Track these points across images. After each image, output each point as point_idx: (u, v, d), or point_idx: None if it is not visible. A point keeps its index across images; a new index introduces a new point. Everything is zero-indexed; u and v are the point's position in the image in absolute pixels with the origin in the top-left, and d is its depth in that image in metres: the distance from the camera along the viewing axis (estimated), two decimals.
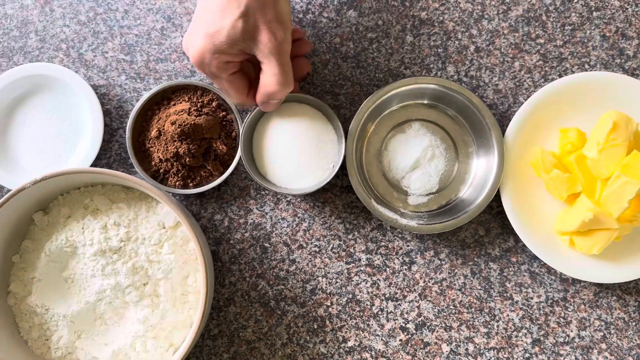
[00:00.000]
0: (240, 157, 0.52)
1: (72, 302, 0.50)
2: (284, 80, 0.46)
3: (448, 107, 0.55)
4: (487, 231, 0.56)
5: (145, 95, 0.53)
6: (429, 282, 0.55)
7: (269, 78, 0.46)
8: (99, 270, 0.49)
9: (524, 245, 0.56)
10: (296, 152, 0.51)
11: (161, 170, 0.53)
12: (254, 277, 0.55)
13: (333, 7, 0.57)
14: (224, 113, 0.54)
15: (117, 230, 0.49)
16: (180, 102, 0.54)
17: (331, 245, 0.55)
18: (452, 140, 0.56)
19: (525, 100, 0.56)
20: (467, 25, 0.57)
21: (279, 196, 0.56)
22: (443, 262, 0.55)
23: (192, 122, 0.51)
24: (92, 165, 0.54)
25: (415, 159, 0.54)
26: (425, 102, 0.56)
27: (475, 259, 0.55)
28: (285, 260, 0.55)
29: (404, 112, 0.56)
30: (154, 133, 0.52)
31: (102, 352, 0.50)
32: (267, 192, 0.56)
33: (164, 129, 0.52)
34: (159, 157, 0.53)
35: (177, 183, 0.53)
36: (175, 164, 0.52)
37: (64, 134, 0.55)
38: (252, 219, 0.56)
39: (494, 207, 0.56)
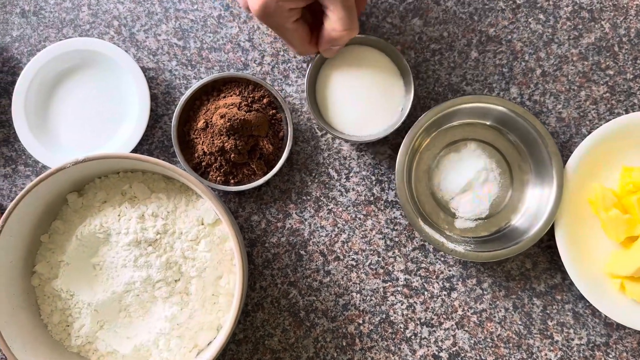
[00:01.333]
0: (285, 159, 0.52)
1: (98, 290, 0.49)
2: (350, 24, 0.45)
3: (510, 132, 0.53)
4: (534, 265, 0.54)
5: (196, 84, 0.52)
6: (468, 311, 0.53)
7: (334, 23, 0.45)
8: (131, 261, 0.47)
9: (570, 283, 0.54)
10: (362, 96, 0.51)
11: (203, 164, 0.52)
12: (286, 285, 0.54)
13: (398, 14, 0.55)
14: (273, 111, 0.53)
15: (155, 221, 0.48)
16: (231, 96, 0.53)
17: (369, 261, 0.54)
18: (508, 165, 0.54)
19: (589, 132, 0.55)
20: (536, 48, 0.55)
21: (320, 203, 0.54)
22: (485, 292, 0.53)
23: (242, 117, 0.50)
24: (133, 151, 0.53)
25: (468, 181, 0.53)
26: (488, 123, 0.54)
27: (519, 293, 0.53)
28: (320, 271, 0.54)
29: (461, 130, 0.54)
30: (200, 124, 0.51)
31: (123, 345, 0.49)
32: (308, 197, 0.54)
33: (211, 121, 0.51)
34: (202, 149, 0.52)
35: (218, 178, 0.52)
36: (219, 158, 0.51)
37: (106, 114, 0.54)
38: (290, 224, 0.54)
39: (544, 241, 0.54)
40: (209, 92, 0.53)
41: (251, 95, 0.53)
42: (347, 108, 0.52)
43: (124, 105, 0.54)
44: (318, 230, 0.54)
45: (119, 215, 0.48)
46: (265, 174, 0.52)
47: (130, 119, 0.53)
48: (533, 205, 0.53)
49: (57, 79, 0.54)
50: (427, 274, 0.54)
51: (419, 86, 0.55)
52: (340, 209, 0.54)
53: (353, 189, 0.54)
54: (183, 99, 0.52)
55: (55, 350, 0.49)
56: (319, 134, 0.55)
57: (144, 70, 0.54)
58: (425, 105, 0.55)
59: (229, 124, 0.50)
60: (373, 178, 0.55)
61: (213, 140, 0.51)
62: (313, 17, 0.49)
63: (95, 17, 0.55)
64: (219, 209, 0.46)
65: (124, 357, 0.49)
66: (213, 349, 0.45)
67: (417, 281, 0.53)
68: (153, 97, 0.55)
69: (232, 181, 0.52)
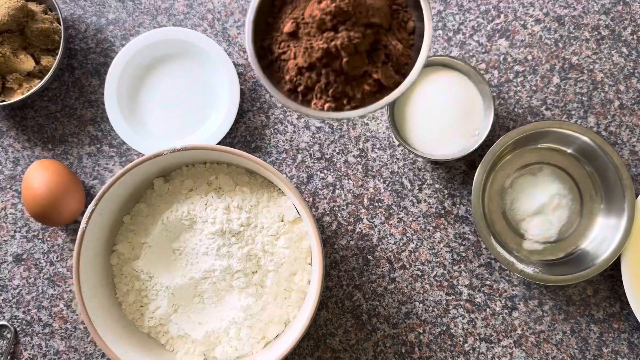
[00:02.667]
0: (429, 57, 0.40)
1: (176, 275, 0.51)
2: None
3: (587, 161, 0.55)
4: (595, 292, 0.56)
5: None
6: (527, 331, 0.55)
7: None
8: (214, 250, 0.50)
9: (629, 313, 0.56)
10: (440, 117, 0.53)
11: (300, 88, 0.37)
12: (351, 287, 0.56)
13: (485, 32, 0.57)
14: None
15: (239, 213, 0.50)
16: None
17: (435, 272, 0.56)
18: (580, 192, 0.56)
19: None
20: (616, 80, 0.57)
21: (391, 211, 0.56)
22: (545, 314, 0.55)
23: (354, 0, 0.35)
24: (218, 143, 0.55)
25: (540, 204, 0.55)
26: (568, 150, 0.56)
27: (578, 318, 0.55)
28: (385, 277, 0.56)
29: (538, 153, 0.56)
30: (288, 27, 0.37)
31: (195, 330, 0.51)
32: (380, 204, 0.56)
33: (303, 18, 0.36)
34: (296, 65, 0.37)
35: (327, 105, 0.37)
36: (324, 71, 0.36)
37: (195, 105, 0.56)
38: (360, 228, 0.56)
39: (607, 269, 0.56)
40: None
41: None
42: (424, 126, 0.54)
43: (213, 97, 0.56)
44: (387, 237, 0.56)
45: (205, 205, 0.51)
46: (397, 83, 0.37)
47: (218, 111, 0.56)
48: (602, 235, 0.55)
49: (149, 65, 0.56)
50: (491, 291, 0.56)
51: (500, 105, 0.57)
52: (411, 218, 0.56)
53: (425, 201, 0.56)
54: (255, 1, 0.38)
55: (126, 328, 0.51)
56: (396, 143, 0.57)
57: (234, 65, 0.56)
58: (504, 125, 0.57)
59: (333, 5, 0.34)
60: (445, 192, 0.57)
61: (311, 43, 0.36)
62: None
63: (190, 9, 0.58)
64: (303, 208, 0.48)
65: (194, 342, 0.51)
66: (286, 345, 0.48)
67: (480, 297, 0.55)
68: (240, 93, 0.57)
69: (347, 106, 0.37)
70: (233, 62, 0.56)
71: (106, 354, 0.48)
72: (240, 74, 0.57)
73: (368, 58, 0.36)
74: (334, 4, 0.34)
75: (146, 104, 0.56)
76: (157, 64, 0.56)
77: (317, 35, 0.35)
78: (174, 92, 0.56)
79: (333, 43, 0.34)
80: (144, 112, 0.56)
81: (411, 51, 0.37)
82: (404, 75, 0.36)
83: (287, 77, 0.37)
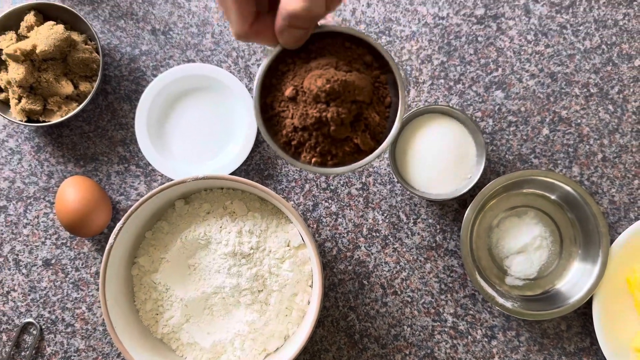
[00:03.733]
0: (398, 132, 0.45)
1: (190, 288, 0.57)
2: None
3: (569, 209, 0.61)
4: (569, 327, 0.62)
5: (280, 47, 0.43)
6: (504, 359, 0.61)
7: None
8: (226, 269, 0.56)
9: (598, 349, 0.62)
10: (436, 160, 0.60)
11: (294, 142, 0.43)
12: (346, 309, 0.62)
13: (483, 84, 0.64)
14: (377, 72, 0.44)
15: (250, 237, 0.57)
16: (324, 56, 0.43)
17: (423, 300, 0.62)
18: (560, 236, 0.62)
19: (636, 218, 0.62)
20: (601, 134, 0.63)
21: (387, 241, 0.63)
22: (521, 345, 0.61)
23: (343, 78, 0.41)
24: (235, 170, 0.61)
25: (523, 244, 0.61)
26: (552, 197, 0.62)
27: (551, 350, 0.61)
28: (378, 301, 0.62)
29: (523, 197, 0.63)
30: (289, 92, 0.42)
31: (204, 339, 0.57)
32: (377, 234, 0.63)
33: (302, 87, 0.42)
34: (292, 124, 0.42)
35: (313, 159, 0.43)
36: (314, 133, 0.43)
37: (216, 134, 0.62)
38: (358, 255, 0.63)
39: (581, 307, 0.62)
40: (296, 54, 0.43)
41: (348, 54, 0.43)
42: (422, 167, 0.60)
43: (233, 128, 0.63)
44: (382, 265, 0.63)
45: (220, 227, 0.57)
46: (373, 149, 0.44)
47: (236, 141, 0.62)
48: (577, 276, 0.61)
49: (177, 96, 0.63)
50: (473, 320, 0.62)
51: (492, 151, 0.63)
52: (405, 249, 0.63)
53: (418, 234, 0.63)
54: (266, 61, 0.42)
55: (143, 333, 0.58)
56: (395, 180, 0.63)
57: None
58: (495, 170, 0.63)
59: (327, 86, 0.40)
60: (438, 227, 0.63)
61: (307, 110, 0.42)
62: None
63: (216, 46, 0.64)
64: (307, 237, 0.54)
65: (202, 350, 0.58)
66: (285, 358, 0.54)
67: (463, 325, 0.62)
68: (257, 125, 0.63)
69: (330, 162, 0.44)
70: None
71: (123, 355, 0.54)
72: None
73: (351, 126, 0.42)
74: (328, 85, 0.40)
75: (172, 131, 0.63)
76: (184, 95, 0.63)
77: (311, 104, 0.41)
78: (198, 121, 0.63)
79: (324, 114, 0.41)
80: (169, 137, 0.63)
81: (386, 122, 0.44)
82: (379, 142, 0.43)
83: (284, 132, 0.43)
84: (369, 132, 0.43)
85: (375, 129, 0.43)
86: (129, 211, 0.54)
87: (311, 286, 0.59)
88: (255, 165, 0.64)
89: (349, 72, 0.41)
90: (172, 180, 0.63)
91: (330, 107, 0.41)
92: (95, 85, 0.60)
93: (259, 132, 0.63)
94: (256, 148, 0.64)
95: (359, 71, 0.42)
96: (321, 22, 0.42)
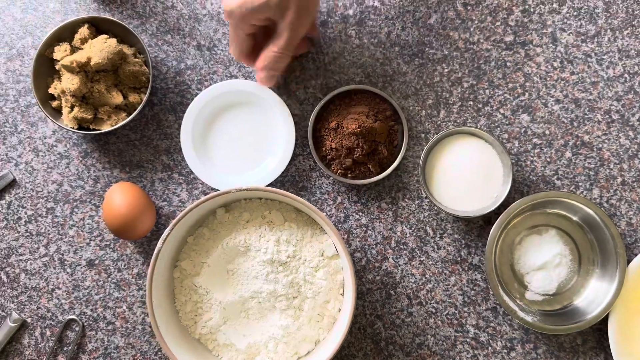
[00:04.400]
0: (398, 165, 0.67)
1: (228, 292, 0.61)
2: (283, 50, 0.59)
3: (589, 229, 0.65)
4: (584, 342, 0.66)
5: (334, 92, 0.66)
6: None
7: (272, 45, 0.59)
8: (263, 275, 0.60)
9: None
10: (466, 178, 0.64)
11: (328, 157, 0.66)
12: (373, 317, 0.66)
13: (510, 107, 0.67)
14: (392, 123, 0.67)
15: (287, 246, 0.60)
16: (360, 105, 0.66)
17: (447, 311, 0.66)
18: (579, 255, 0.66)
19: None
20: (621, 159, 0.67)
21: (414, 254, 0.66)
22: (538, 357, 0.65)
23: (370, 125, 0.63)
24: (274, 180, 0.65)
25: (544, 261, 0.64)
26: (574, 218, 0.65)
27: None
28: (403, 311, 0.66)
29: (546, 217, 0.66)
30: (332, 124, 0.65)
31: (240, 341, 0.61)
32: (405, 247, 0.67)
33: (342, 124, 0.64)
34: (330, 145, 0.65)
35: (339, 171, 0.66)
36: (343, 155, 0.65)
37: (256, 146, 0.67)
38: (385, 266, 0.67)
39: (596, 324, 0.66)
40: (342, 97, 0.67)
41: (377, 107, 0.66)
42: (450, 185, 0.64)
43: (271, 142, 0.67)
44: (408, 277, 0.66)
45: (259, 236, 0.61)
46: (378, 174, 0.66)
47: (275, 154, 0.66)
48: (594, 294, 0.65)
49: (221, 109, 0.67)
50: (494, 332, 0.66)
51: (517, 172, 0.67)
52: (430, 262, 0.66)
53: (444, 248, 0.67)
54: (322, 102, 0.66)
55: (182, 333, 0.61)
56: (424, 195, 0.67)
57: (292, 115, 0.67)
58: (519, 189, 0.67)
59: (359, 129, 0.63)
60: (463, 242, 0.67)
61: (342, 140, 0.64)
62: (264, 41, 0.61)
63: None
64: (342, 248, 0.58)
65: (237, 351, 0.61)
66: None
67: (484, 337, 0.65)
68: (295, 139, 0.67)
69: (349, 175, 0.66)
70: (291, 112, 0.67)
71: (166, 354, 0.58)
72: (295, 123, 0.67)
73: (367, 156, 0.65)
74: (359, 128, 0.63)
75: (214, 142, 0.67)
76: (227, 109, 0.67)
77: (346, 137, 0.64)
78: (239, 134, 0.67)
79: (353, 146, 0.64)
80: (211, 148, 0.67)
81: (392, 157, 0.66)
82: (384, 169, 0.66)
83: (323, 149, 0.66)
84: (379, 162, 0.66)
85: (383, 161, 0.66)
86: (177, 218, 0.58)
87: (342, 294, 0.62)
88: (291, 177, 0.68)
89: (374, 121, 0.65)
90: (213, 189, 0.67)
91: (357, 141, 0.63)
92: (145, 97, 0.64)
93: (295, 146, 0.67)
94: (292, 161, 0.68)
95: (381, 121, 0.65)
96: (371, 88, 0.66)
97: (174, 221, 0.58)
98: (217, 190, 0.66)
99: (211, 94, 0.65)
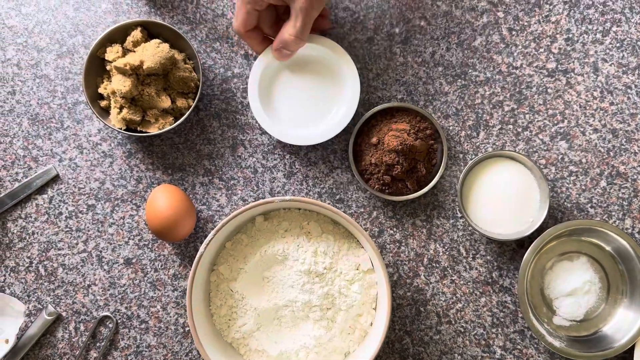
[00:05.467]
0: (436, 184, 0.69)
1: (263, 299, 0.63)
2: (300, 35, 0.61)
3: (620, 259, 0.67)
4: None
5: (376, 108, 0.68)
6: None
7: (289, 28, 0.61)
8: (299, 285, 0.62)
9: None
10: (502, 201, 0.67)
11: (367, 172, 0.68)
12: (402, 332, 0.68)
13: (549, 133, 0.69)
14: (432, 142, 0.69)
15: (324, 258, 0.62)
16: (402, 122, 0.68)
17: (475, 331, 0.68)
18: (609, 283, 0.68)
19: None
20: None
21: (445, 273, 0.68)
22: None
23: (411, 143, 0.65)
24: (310, 194, 0.67)
25: (574, 288, 0.66)
26: (606, 248, 0.67)
27: None
28: (432, 328, 0.68)
29: (578, 244, 0.68)
30: (373, 140, 0.67)
31: (271, 347, 0.63)
32: (437, 265, 0.69)
33: (383, 140, 0.66)
34: (370, 160, 0.67)
35: (376, 186, 0.68)
36: (382, 170, 0.67)
37: (320, 102, 0.69)
38: (417, 283, 0.68)
39: (621, 353, 0.67)
40: (383, 114, 0.69)
41: (418, 125, 0.68)
42: (486, 207, 0.67)
43: (336, 98, 0.69)
44: (439, 295, 0.68)
45: (298, 246, 0.63)
46: (416, 191, 0.68)
47: (339, 108, 0.68)
48: (621, 322, 0.67)
49: (283, 65, 0.69)
50: (520, 354, 0.67)
51: (552, 197, 0.69)
52: (462, 282, 0.68)
53: (476, 269, 0.68)
54: (363, 119, 0.68)
55: (215, 336, 0.64)
56: (459, 215, 0.69)
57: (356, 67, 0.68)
58: (553, 215, 0.69)
59: (400, 147, 0.64)
60: (495, 264, 0.68)
61: (382, 156, 0.66)
62: (277, 21, 0.65)
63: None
64: (380, 264, 0.60)
65: (269, 357, 0.63)
66: None
67: (510, 358, 0.67)
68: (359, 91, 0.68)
69: (386, 191, 0.68)
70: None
71: (201, 355, 0.60)
72: (336, 136, 0.69)
73: (406, 173, 0.67)
74: (400, 146, 0.65)
75: (280, 96, 0.69)
76: (293, 62, 0.69)
77: (387, 153, 0.66)
78: (304, 88, 0.69)
79: (393, 163, 0.66)
80: (278, 102, 0.69)
81: (429, 175, 0.69)
82: (421, 187, 0.68)
83: (363, 163, 0.68)
84: (417, 180, 0.68)
85: (421, 179, 0.68)
86: (222, 223, 0.60)
87: (374, 309, 0.64)
88: (328, 189, 0.70)
89: (415, 140, 0.67)
90: (278, 141, 0.70)
91: (397, 158, 0.65)
92: (194, 103, 0.66)
93: (334, 159, 0.69)
94: (330, 173, 0.70)
95: (422, 139, 0.68)
96: (414, 106, 0.68)
97: (218, 226, 0.60)
98: (283, 141, 0.69)
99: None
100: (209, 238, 0.60)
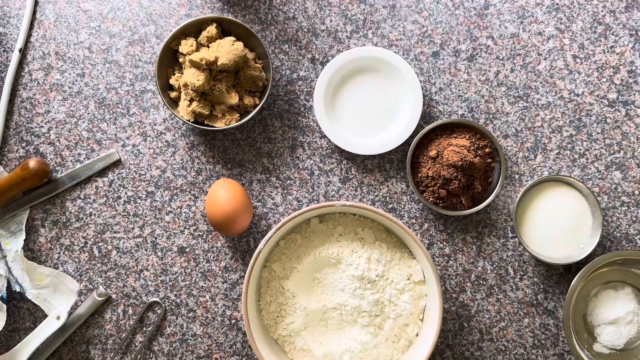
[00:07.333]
0: (490, 203, 0.71)
1: (312, 299, 0.66)
2: None
3: None
4: None
5: (436, 122, 0.71)
6: None
7: None
8: (351, 290, 0.65)
9: None
10: (556, 225, 0.69)
11: (423, 184, 0.70)
12: (444, 345, 0.70)
13: (604, 162, 0.72)
14: (490, 160, 0.71)
15: (377, 265, 0.65)
16: (462, 138, 0.70)
17: (516, 351, 0.70)
18: None
19: None
20: None
21: (492, 291, 0.71)
22: None
23: (470, 159, 0.68)
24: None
25: (616, 317, 0.69)
26: None
27: None
28: (474, 344, 0.70)
29: (624, 273, 0.70)
30: (432, 153, 0.69)
31: (316, 348, 0.66)
32: (484, 282, 0.71)
33: (442, 154, 0.69)
34: (427, 172, 0.70)
35: (431, 199, 0.70)
36: (439, 184, 0.69)
37: (382, 112, 0.73)
38: (462, 298, 0.71)
39: None
40: (443, 128, 0.71)
41: (477, 142, 0.71)
42: (540, 229, 0.69)
43: (398, 108, 0.73)
44: (483, 312, 0.71)
45: (352, 251, 0.66)
46: (470, 208, 0.70)
47: (400, 120, 0.72)
48: None
49: (352, 73, 0.73)
50: None
51: (603, 227, 0.71)
52: (507, 301, 0.71)
53: (522, 290, 0.71)
54: (423, 131, 0.71)
55: (263, 331, 0.66)
56: (510, 234, 0.71)
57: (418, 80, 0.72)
58: (601, 243, 0.71)
59: (460, 162, 0.67)
60: (541, 286, 0.71)
61: (440, 169, 0.68)
62: None
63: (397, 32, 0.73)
64: (434, 277, 0.62)
65: (313, 358, 0.66)
66: None
67: None
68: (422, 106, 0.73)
69: (441, 204, 0.70)
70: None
71: (253, 350, 0.63)
72: (394, 147, 0.72)
73: (462, 189, 0.70)
74: (460, 162, 0.68)
75: (343, 105, 0.73)
76: (358, 73, 0.73)
77: (445, 168, 0.68)
78: (367, 99, 0.73)
79: (451, 178, 0.68)
80: (341, 110, 0.73)
81: (484, 193, 0.71)
82: (476, 204, 0.71)
83: (419, 175, 0.71)
84: (472, 196, 0.71)
85: (476, 196, 0.71)
86: (283, 222, 0.63)
87: (421, 320, 0.67)
88: (382, 198, 0.73)
89: (474, 156, 0.69)
90: (337, 147, 0.73)
91: (455, 173, 0.68)
92: (262, 102, 0.69)
93: (390, 168, 0.72)
94: (385, 182, 0.72)
95: (480, 157, 0.70)
96: (475, 124, 0.70)
97: (279, 224, 0.63)
98: (343, 149, 0.72)
99: (344, 58, 0.71)
100: (269, 235, 0.63)
